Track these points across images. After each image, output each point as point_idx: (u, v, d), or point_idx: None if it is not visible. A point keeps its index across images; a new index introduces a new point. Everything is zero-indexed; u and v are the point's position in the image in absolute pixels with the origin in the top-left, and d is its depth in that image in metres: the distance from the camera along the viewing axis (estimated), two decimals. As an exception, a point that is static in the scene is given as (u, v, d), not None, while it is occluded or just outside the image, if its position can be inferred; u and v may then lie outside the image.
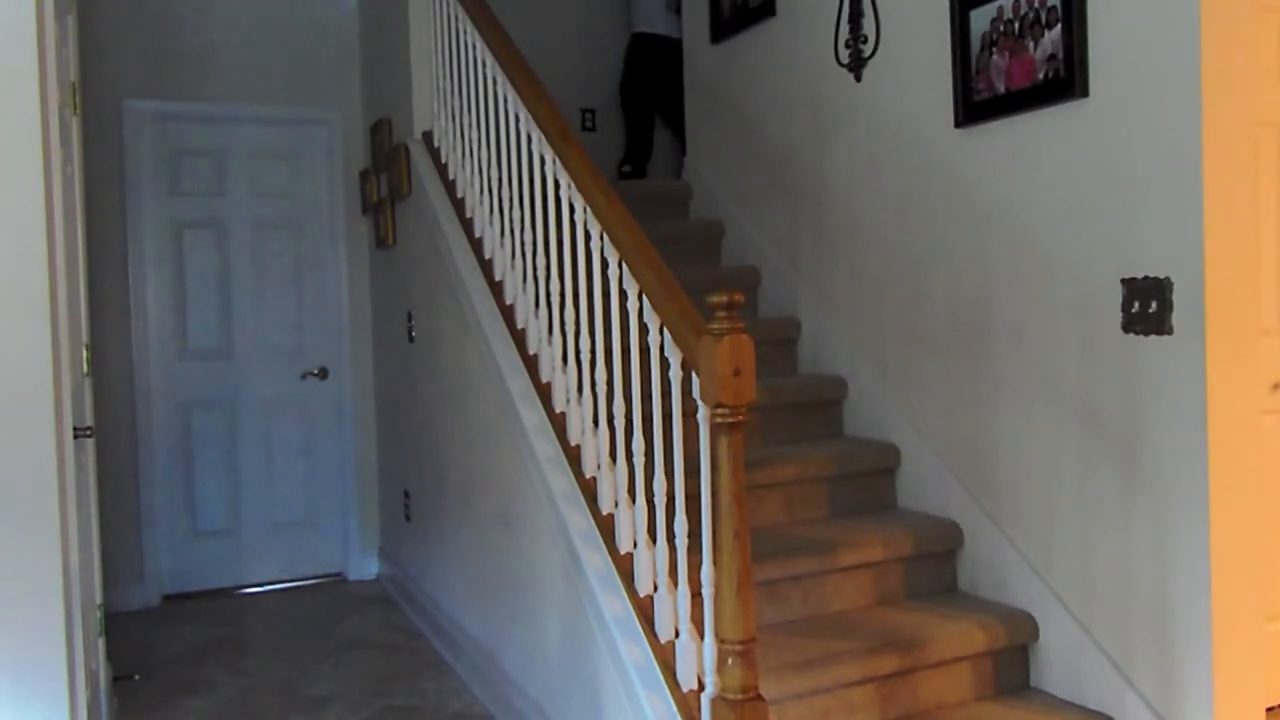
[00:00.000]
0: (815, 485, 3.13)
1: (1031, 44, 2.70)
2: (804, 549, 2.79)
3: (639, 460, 2.48)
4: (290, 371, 4.90)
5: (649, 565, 2.43)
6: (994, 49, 2.83)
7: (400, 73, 4.17)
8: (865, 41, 3.33)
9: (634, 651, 2.35)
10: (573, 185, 2.73)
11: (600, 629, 2.47)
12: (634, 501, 2.49)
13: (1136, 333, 2.48)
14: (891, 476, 3.28)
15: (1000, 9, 2.80)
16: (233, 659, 3.83)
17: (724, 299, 2.01)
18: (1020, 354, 2.82)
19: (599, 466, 2.64)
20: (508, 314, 3.18)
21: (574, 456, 2.76)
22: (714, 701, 2.08)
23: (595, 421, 2.71)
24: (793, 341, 3.74)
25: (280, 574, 4.87)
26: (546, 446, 2.83)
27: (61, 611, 2.24)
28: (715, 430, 2.04)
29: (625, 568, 2.49)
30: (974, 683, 2.72)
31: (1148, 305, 2.44)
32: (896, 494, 3.28)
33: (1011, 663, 2.79)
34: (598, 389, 2.67)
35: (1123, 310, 2.51)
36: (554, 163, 2.84)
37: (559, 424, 2.84)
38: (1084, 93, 2.57)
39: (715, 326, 2.01)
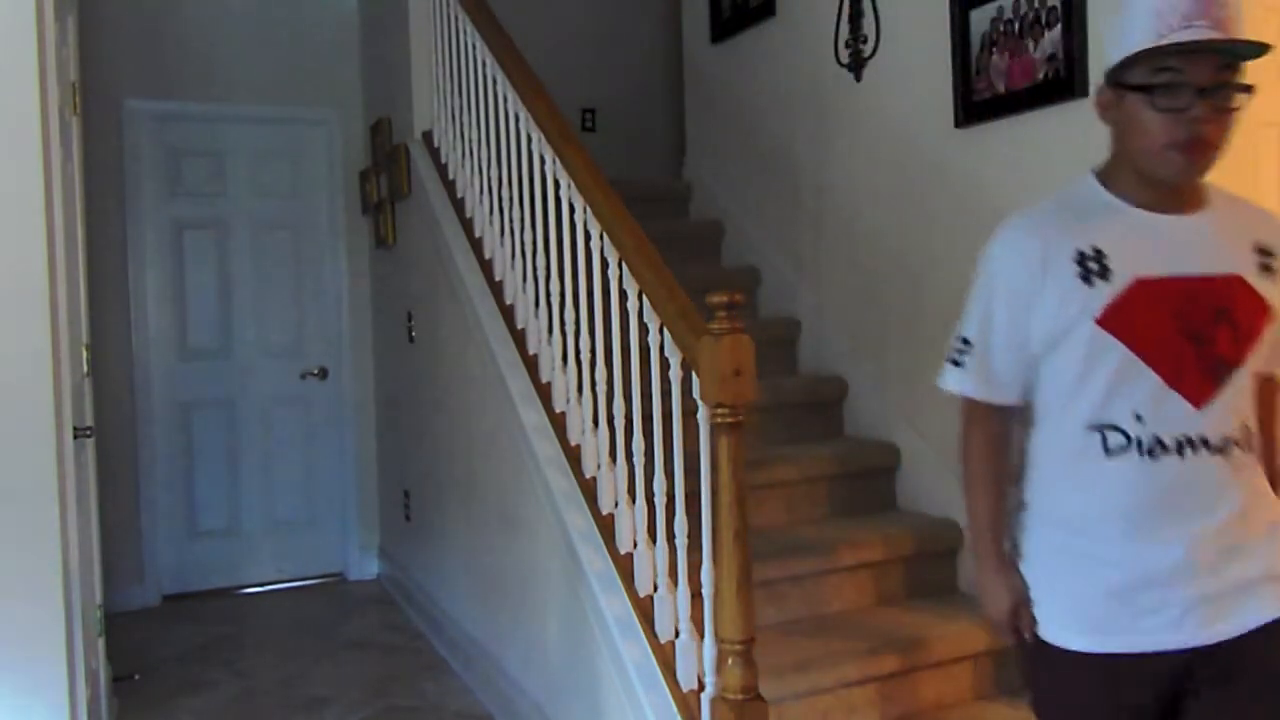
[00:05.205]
0: (815, 485, 3.13)
1: (1031, 44, 2.70)
2: (804, 549, 2.79)
3: (639, 460, 2.48)
4: (290, 371, 4.90)
5: (649, 565, 2.42)
6: (994, 49, 2.83)
7: (400, 73, 4.16)
8: (865, 41, 3.33)
9: (634, 651, 2.35)
10: (573, 185, 2.73)
11: (600, 629, 2.47)
12: (634, 501, 2.49)
13: (1136, 333, 2.47)
14: (891, 476, 3.28)
15: (1000, 9, 2.79)
16: (233, 659, 3.83)
17: (724, 299, 2.00)
18: (1020, 354, 2.81)
19: (599, 466, 2.64)
20: (508, 314, 3.18)
21: (574, 456, 2.75)
22: (714, 701, 2.08)
23: (595, 421, 2.71)
24: (793, 341, 3.74)
25: (280, 574, 4.86)
26: (546, 446, 2.83)
27: (61, 611, 2.24)
28: (715, 430, 2.04)
29: (625, 568, 2.48)
30: (974, 683, 2.72)
31: (1148, 305, 2.43)
32: (896, 494, 3.28)
33: (1012, 663, 2.79)
34: (598, 389, 2.67)
35: (1123, 310, 2.50)
36: (554, 163, 2.84)
37: (559, 424, 2.84)
38: (1084, 93, 2.57)
39: (715, 326, 2.01)
